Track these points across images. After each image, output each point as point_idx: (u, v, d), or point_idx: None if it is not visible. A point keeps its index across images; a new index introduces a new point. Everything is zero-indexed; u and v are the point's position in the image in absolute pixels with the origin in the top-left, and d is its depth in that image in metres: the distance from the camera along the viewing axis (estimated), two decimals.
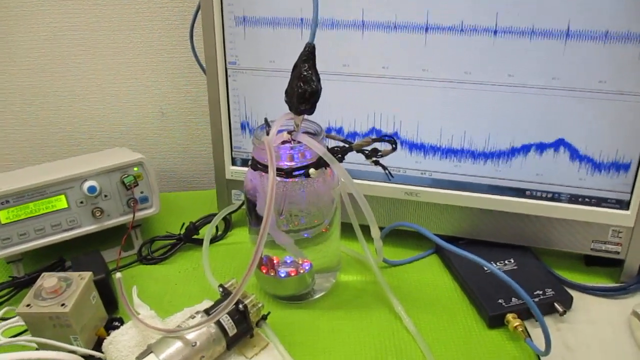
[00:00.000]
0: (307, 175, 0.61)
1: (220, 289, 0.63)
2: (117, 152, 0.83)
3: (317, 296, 0.72)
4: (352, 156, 0.64)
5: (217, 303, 0.62)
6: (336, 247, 0.73)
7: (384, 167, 0.67)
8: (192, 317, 0.59)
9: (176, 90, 1.00)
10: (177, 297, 0.73)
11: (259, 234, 0.55)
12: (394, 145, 0.64)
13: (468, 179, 0.74)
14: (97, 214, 0.76)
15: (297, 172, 0.61)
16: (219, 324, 0.59)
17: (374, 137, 0.64)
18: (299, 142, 0.62)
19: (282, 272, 0.68)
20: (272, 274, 0.69)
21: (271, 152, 0.56)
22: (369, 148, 0.64)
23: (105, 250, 0.77)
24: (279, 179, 0.62)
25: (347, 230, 0.73)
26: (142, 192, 0.79)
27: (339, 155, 0.62)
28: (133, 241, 0.83)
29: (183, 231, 0.82)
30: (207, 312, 0.60)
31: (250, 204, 0.66)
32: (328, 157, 0.60)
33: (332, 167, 0.61)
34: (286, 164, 0.62)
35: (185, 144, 1.05)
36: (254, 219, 0.67)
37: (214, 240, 0.84)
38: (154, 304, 0.70)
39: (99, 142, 1.04)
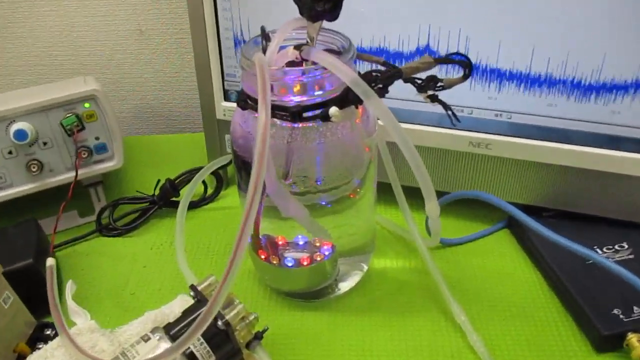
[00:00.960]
0: (327, 118, 0.38)
1: (193, 293, 0.41)
2: (70, 83, 0.60)
3: (340, 292, 0.50)
4: (396, 88, 0.40)
5: (188, 314, 0.40)
6: (369, 219, 0.50)
7: (446, 106, 0.43)
8: (146, 338, 0.38)
9: (157, 1, 0.76)
10: (142, 287, 0.52)
11: (245, 208, 0.32)
12: (467, 70, 0.40)
13: (567, 124, 0.50)
14: (34, 169, 0.54)
15: (310, 113, 0.38)
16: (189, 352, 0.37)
17: (435, 57, 0.40)
18: (313, 64, 0.38)
19: (290, 259, 0.46)
20: (274, 262, 0.47)
21: (264, 76, 0.32)
22: (422, 77, 0.40)
23: (49, 218, 0.56)
24: (280, 122, 0.39)
25: (382, 192, 0.51)
26: (97, 139, 0.57)
27: (379, 86, 0.38)
28: (94, 204, 0.61)
29: (158, 192, 0.60)
30: (169, 331, 0.39)
31: (240, 161, 0.43)
32: (361, 88, 0.36)
33: (367, 105, 0.37)
34: (293, 98, 0.38)
35: (171, 72, 0.81)
36: (246, 182, 0.44)
37: (200, 203, 0.62)
38: (109, 298, 0.50)
39: (65, 73, 0.81)
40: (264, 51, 0.40)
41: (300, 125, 0.39)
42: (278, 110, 0.38)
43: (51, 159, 0.55)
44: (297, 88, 0.38)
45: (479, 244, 0.56)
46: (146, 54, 0.80)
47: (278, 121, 0.39)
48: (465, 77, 0.40)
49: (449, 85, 0.42)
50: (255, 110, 0.39)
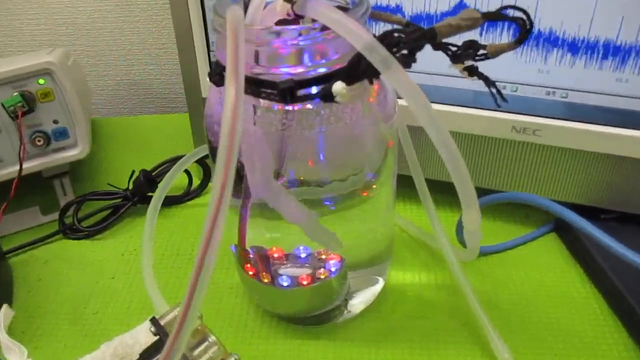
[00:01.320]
0: (330, 97, 0.27)
1: (154, 329, 0.31)
2: (30, 57, 0.50)
3: (350, 314, 0.40)
4: (420, 58, 0.29)
5: (148, 356, 0.31)
6: (386, 221, 0.40)
7: (489, 81, 0.33)
8: None
9: None
10: (108, 304, 0.43)
11: (209, 217, 0.22)
12: (523, 32, 0.29)
13: (639, 105, 0.39)
14: None
15: (306, 90, 0.27)
16: None
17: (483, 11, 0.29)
18: (313, 22, 0.28)
19: (286, 278, 0.36)
20: (265, 280, 0.37)
21: (235, 37, 0.22)
22: (456, 45, 0.30)
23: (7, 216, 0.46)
24: (267, 104, 0.28)
25: (398, 184, 0.41)
26: (56, 122, 0.47)
27: (404, 52, 0.27)
28: (59, 200, 0.52)
29: (131, 186, 0.50)
30: None
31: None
32: (378, 55, 0.25)
33: (386, 78, 0.26)
34: (285, 70, 0.28)
35: (159, 44, 0.71)
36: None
37: (183, 198, 0.52)
38: (67, 317, 0.41)
39: (36, 47, 0.71)
40: (246, 6, 0.29)
41: (295, 107, 0.29)
42: (264, 87, 0.28)
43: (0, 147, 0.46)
44: (289, 56, 0.28)
45: (520, 252, 0.45)
46: (130, 22, 0.69)
47: (263, 102, 0.29)
48: (519, 42, 0.30)
49: (495, 53, 0.31)
50: None
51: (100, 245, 0.48)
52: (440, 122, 0.26)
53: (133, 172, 0.50)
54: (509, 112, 0.42)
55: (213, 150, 0.33)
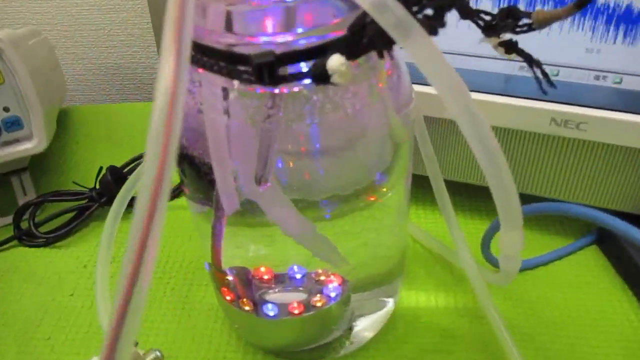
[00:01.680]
0: (324, 77, 0.20)
1: None
2: None
3: (353, 346, 0.33)
4: (445, 32, 0.21)
5: None
6: (398, 232, 0.33)
7: (532, 60, 0.25)
8: None
9: None
10: (62, 328, 0.36)
11: (133, 237, 0.15)
12: None
13: None
14: None
15: (293, 68, 0.20)
16: None
17: None
18: None
19: (272, 306, 0.29)
20: (247, 308, 0.29)
21: None
22: (490, 13, 0.22)
23: None
24: (242, 86, 0.21)
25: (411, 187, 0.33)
26: (6, 110, 0.40)
27: (428, 12, 0.20)
28: (18, 200, 0.45)
29: (99, 185, 0.43)
30: None
31: (184, 155, 0.26)
32: (392, 17, 0.18)
33: (406, 47, 0.18)
34: (265, 39, 0.21)
35: (142, 22, 0.64)
36: (193, 182, 0.27)
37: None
38: (14, 342, 0.35)
39: (10, 25, 0.64)
40: None
41: (278, 91, 0.21)
42: (234, 62, 0.20)
43: None
44: (268, 20, 0.20)
45: (555, 269, 0.38)
46: None
47: (237, 84, 0.22)
48: (580, 5, 0.22)
49: (544, 22, 0.24)
50: (204, 66, 0.21)
51: (61, 255, 0.41)
52: (481, 116, 0.19)
53: (101, 168, 0.43)
54: (548, 102, 0.34)
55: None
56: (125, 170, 0.43)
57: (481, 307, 0.32)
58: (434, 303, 0.36)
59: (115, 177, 0.42)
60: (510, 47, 0.25)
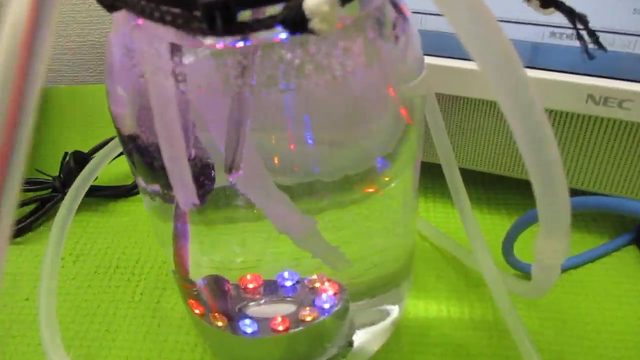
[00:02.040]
0: (301, 26, 0.14)
1: None
2: None
3: None
4: None
5: None
6: (404, 229, 0.27)
7: (579, 17, 0.20)
8: None
9: None
10: (11, 342, 0.31)
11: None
12: None
13: None
14: None
15: (255, 12, 0.15)
16: None
17: None
18: None
19: (250, 322, 0.24)
20: (219, 324, 0.24)
21: None
22: None
23: None
24: (200, 39, 0.16)
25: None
26: None
27: None
28: None
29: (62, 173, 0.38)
30: None
31: (125, 136, 0.20)
32: None
33: None
34: None
35: None
36: (142, 169, 0.21)
37: (132, 190, 0.40)
38: None
39: None
40: None
41: (241, 43, 0.16)
42: (182, 5, 0.15)
43: None
44: None
45: (589, 272, 0.32)
46: None
47: (194, 38, 0.16)
48: None
49: None
50: (143, 13, 0.16)
51: (19, 253, 0.36)
52: (534, 94, 0.13)
53: (66, 154, 0.38)
54: (585, 75, 0.29)
55: (121, 133, 0.21)
56: (94, 155, 0.38)
57: (502, 319, 0.26)
58: (446, 313, 0.30)
59: (80, 164, 0.36)
60: (550, 2, 0.20)
